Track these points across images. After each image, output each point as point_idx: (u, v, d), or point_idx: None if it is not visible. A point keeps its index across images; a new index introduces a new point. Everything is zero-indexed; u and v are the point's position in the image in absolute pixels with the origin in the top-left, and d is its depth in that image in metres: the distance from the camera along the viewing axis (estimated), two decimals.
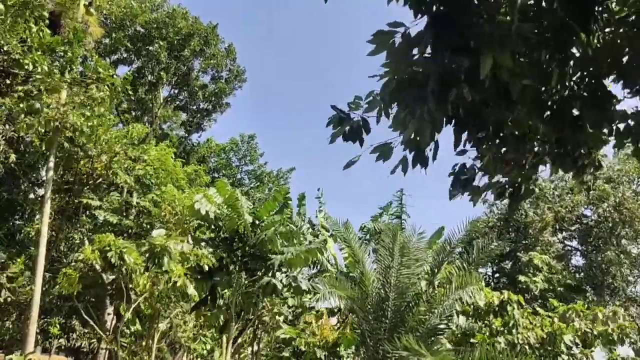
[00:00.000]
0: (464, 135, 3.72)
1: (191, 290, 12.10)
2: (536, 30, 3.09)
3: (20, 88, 13.83)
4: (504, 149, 3.72)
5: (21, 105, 13.59)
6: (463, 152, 3.92)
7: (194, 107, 36.08)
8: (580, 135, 3.45)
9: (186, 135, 36.85)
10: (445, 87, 3.22)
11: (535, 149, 3.76)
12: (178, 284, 11.69)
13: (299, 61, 77.50)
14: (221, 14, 67.39)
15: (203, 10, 69.81)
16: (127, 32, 30.74)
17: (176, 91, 35.52)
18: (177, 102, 35.92)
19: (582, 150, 3.70)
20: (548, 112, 3.47)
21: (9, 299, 15.74)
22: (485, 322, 15.49)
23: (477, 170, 3.98)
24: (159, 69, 32.06)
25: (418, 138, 3.60)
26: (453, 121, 3.57)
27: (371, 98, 3.86)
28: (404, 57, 3.31)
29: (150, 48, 31.13)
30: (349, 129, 3.91)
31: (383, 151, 3.91)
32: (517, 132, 3.60)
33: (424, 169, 3.85)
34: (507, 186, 4.07)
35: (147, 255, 11.82)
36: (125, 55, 32.31)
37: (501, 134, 3.58)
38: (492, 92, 3.24)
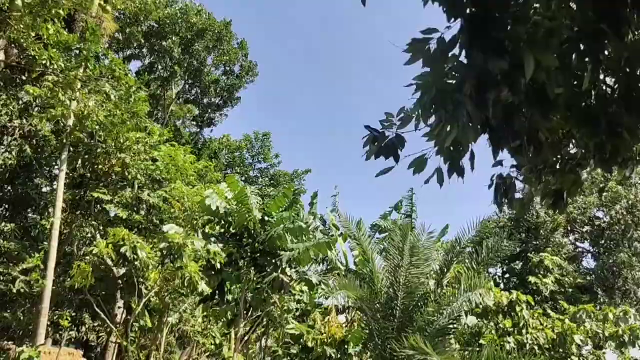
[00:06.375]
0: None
1: (203, 286, 12.18)
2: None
3: (32, 89, 13.96)
4: (541, 157, 3.65)
5: (36, 100, 13.72)
6: (499, 162, 3.87)
7: (205, 102, 36.11)
8: (618, 139, 3.38)
9: (198, 130, 36.88)
10: (482, 90, 3.16)
11: (573, 151, 3.69)
12: (193, 279, 11.77)
13: (313, 58, 77.43)
14: (235, 10, 67.49)
15: (218, 7, 69.97)
16: (140, 27, 30.82)
17: (188, 86, 35.59)
18: (189, 97, 35.98)
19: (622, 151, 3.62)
20: (583, 117, 3.42)
21: (22, 290, 15.89)
22: (494, 322, 15.39)
23: (515, 180, 3.92)
24: (172, 63, 32.10)
25: (452, 148, 3.56)
26: (487, 131, 3.49)
27: (403, 114, 3.84)
28: (440, 62, 3.27)
29: (164, 43, 31.19)
30: (384, 147, 3.88)
31: (418, 164, 3.87)
32: (551, 139, 3.54)
33: (461, 178, 3.80)
34: (552, 194, 3.97)
35: (164, 251, 11.92)
36: (137, 50, 32.43)
37: (536, 141, 3.51)
38: (527, 95, 3.19)
